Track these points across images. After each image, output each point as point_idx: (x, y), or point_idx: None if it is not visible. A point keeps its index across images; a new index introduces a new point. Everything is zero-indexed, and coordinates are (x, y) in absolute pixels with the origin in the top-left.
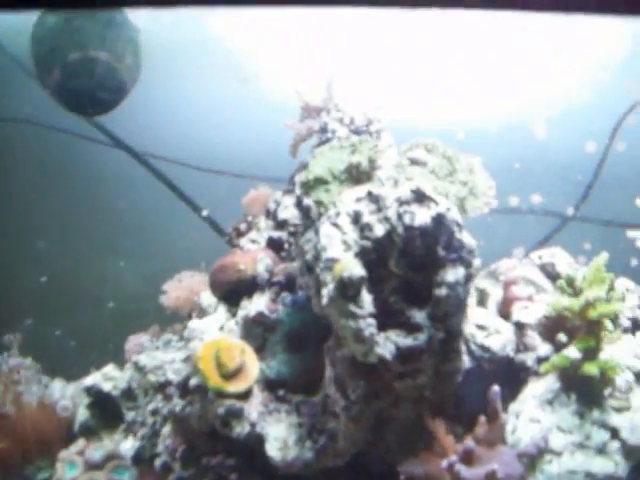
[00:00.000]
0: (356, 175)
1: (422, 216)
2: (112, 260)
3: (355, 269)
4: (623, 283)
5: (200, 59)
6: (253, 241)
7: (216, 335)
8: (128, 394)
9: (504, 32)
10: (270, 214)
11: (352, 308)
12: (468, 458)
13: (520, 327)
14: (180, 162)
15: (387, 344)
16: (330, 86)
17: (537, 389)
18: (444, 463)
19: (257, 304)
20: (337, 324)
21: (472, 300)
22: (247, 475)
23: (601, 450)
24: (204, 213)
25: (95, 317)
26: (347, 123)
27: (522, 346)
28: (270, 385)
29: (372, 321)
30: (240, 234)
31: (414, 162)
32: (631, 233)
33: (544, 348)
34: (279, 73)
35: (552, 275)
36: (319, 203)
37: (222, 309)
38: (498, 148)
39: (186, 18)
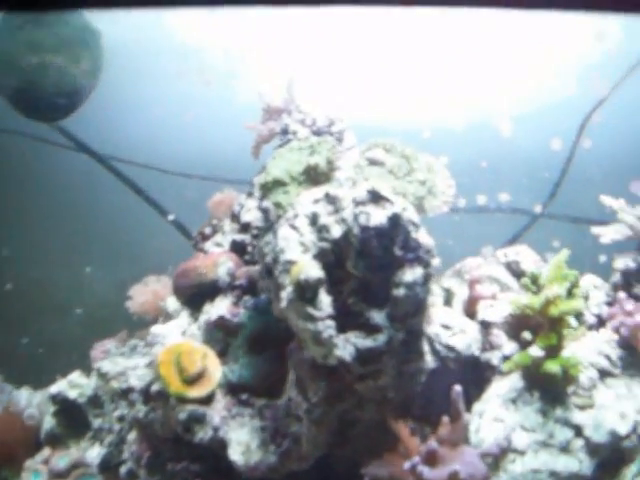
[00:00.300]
0: (314, 176)
1: (377, 216)
2: (80, 266)
3: (312, 271)
4: (590, 280)
5: (164, 61)
6: (218, 244)
7: (178, 340)
8: (94, 401)
9: (470, 32)
10: (235, 217)
11: (310, 310)
12: (431, 459)
13: (486, 326)
14: (146, 165)
15: (346, 346)
16: (291, 87)
17: (501, 388)
18: (407, 465)
19: (218, 308)
20: (296, 327)
21: (438, 300)
22: None
23: (565, 448)
24: (170, 217)
25: (63, 324)
26: (309, 124)
27: (488, 345)
28: (233, 389)
29: (331, 323)
30: (205, 238)
31: (372, 162)
32: (596, 229)
33: (510, 346)
34: (247, 74)
35: (517, 273)
36: (277, 205)
37: (185, 313)
38: (464, 147)
39: (151, 20)
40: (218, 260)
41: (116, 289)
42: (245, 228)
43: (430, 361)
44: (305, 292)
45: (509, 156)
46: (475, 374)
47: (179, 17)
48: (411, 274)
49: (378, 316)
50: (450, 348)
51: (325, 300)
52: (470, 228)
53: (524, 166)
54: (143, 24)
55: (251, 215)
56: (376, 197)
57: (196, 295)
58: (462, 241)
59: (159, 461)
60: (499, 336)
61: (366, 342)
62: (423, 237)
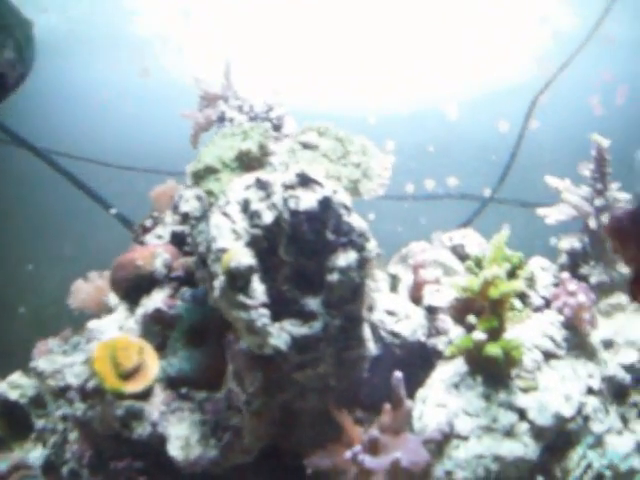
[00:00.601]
0: (247, 162)
1: (307, 200)
2: (23, 264)
3: (243, 259)
4: (537, 262)
5: (103, 50)
6: (159, 237)
7: (115, 335)
8: (37, 401)
9: (417, 17)
10: (176, 208)
11: (242, 299)
12: (373, 447)
13: (431, 311)
14: (87, 158)
15: (281, 334)
16: (228, 73)
17: (445, 373)
18: (347, 454)
19: (155, 300)
20: (230, 316)
21: (384, 286)
22: (157, 477)
23: (509, 432)
24: (113, 211)
25: (6, 324)
26: (246, 111)
27: (434, 330)
28: (172, 383)
29: (264, 311)
30: (146, 230)
31: (306, 146)
32: (541, 211)
33: (456, 331)
34: (186, 61)
35: (463, 256)
36: (209, 193)
37: (122, 308)
38: (411, 132)
39: (88, 10)
40: (155, 252)
41: (64, 287)
42: (185, 219)
43: (373, 348)
44: (237, 280)
45: (457, 140)
46: (422, 360)
47: (117, 6)
48: (344, 258)
49: (313, 303)
50: (395, 334)
51: (258, 288)
52: (420, 214)
53: (472, 150)
54: (80, 15)
55: (189, 205)
56: (306, 180)
57: (133, 288)
58: (412, 227)
59: (101, 460)
60: (445, 321)
61: (301, 330)
62: (356, 220)
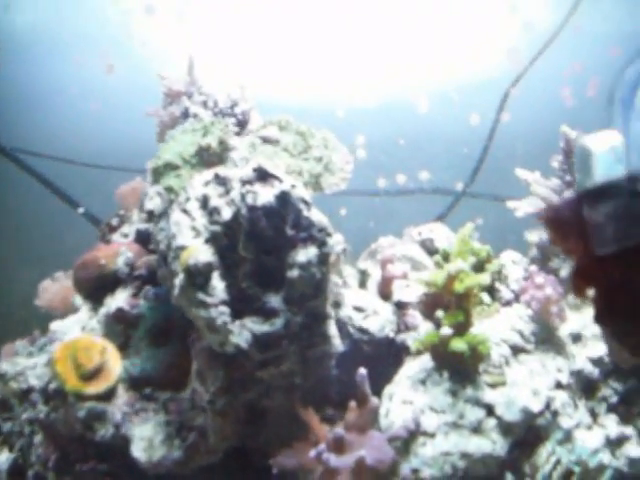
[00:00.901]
0: (207, 158)
1: (265, 195)
2: None
3: (201, 256)
4: (509, 255)
5: (67, 47)
6: (125, 235)
7: (77, 335)
8: (3, 404)
9: (387, 10)
10: (142, 206)
11: (202, 297)
12: (339, 446)
13: (401, 306)
14: (52, 156)
15: (242, 332)
16: (192, 69)
17: (411, 369)
18: (312, 453)
19: (117, 300)
20: (190, 314)
21: (353, 282)
22: (123, 479)
23: (476, 429)
24: (81, 210)
25: None
26: (211, 106)
27: (403, 326)
28: (135, 383)
29: (225, 309)
30: (112, 229)
31: (266, 140)
32: (510, 203)
33: (426, 327)
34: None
35: (432, 251)
36: (169, 189)
37: (85, 308)
38: (380, 125)
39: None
40: (118, 250)
41: (32, 288)
42: (150, 216)
43: (339, 345)
44: (195, 278)
45: (428, 133)
46: (391, 356)
47: (81, 3)
48: (304, 254)
49: (274, 300)
50: (363, 331)
51: (218, 285)
52: (393, 209)
53: (443, 143)
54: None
55: (153, 203)
56: (263, 175)
57: (97, 288)
58: (385, 222)
59: (67, 462)
60: (415, 316)
61: (263, 327)
62: (316, 215)
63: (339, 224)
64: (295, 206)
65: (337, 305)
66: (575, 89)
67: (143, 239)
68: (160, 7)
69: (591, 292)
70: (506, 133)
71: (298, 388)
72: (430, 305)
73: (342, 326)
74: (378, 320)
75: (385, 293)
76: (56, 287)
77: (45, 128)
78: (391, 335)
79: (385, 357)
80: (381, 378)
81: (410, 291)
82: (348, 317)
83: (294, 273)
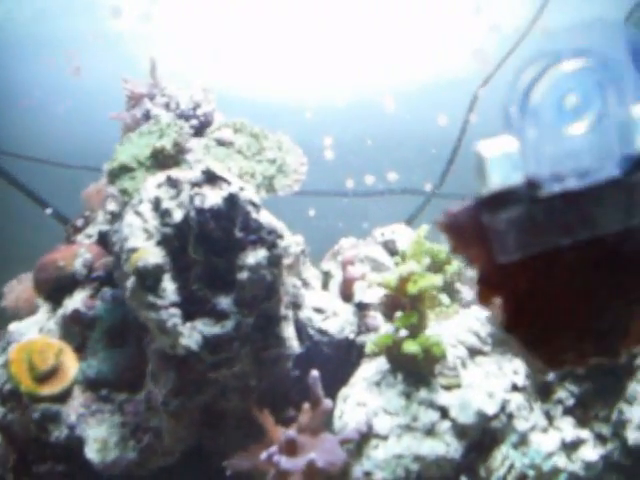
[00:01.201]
0: (162, 160)
1: (213, 198)
2: None
3: (150, 258)
4: None
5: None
6: (89, 236)
7: (33, 336)
8: None
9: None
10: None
11: (152, 299)
12: (291, 448)
13: (362, 308)
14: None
15: (193, 334)
16: (154, 71)
17: (367, 371)
18: (263, 455)
19: (74, 301)
20: (142, 316)
21: (316, 283)
22: None
23: (430, 431)
24: (48, 210)
25: None
26: (173, 108)
27: (364, 327)
28: (92, 385)
29: (175, 311)
30: (77, 230)
31: (220, 143)
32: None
33: (386, 328)
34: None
35: (394, 252)
36: (124, 192)
37: (44, 309)
38: (349, 125)
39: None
40: (77, 252)
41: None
42: (112, 218)
43: (296, 346)
44: (145, 280)
45: (396, 133)
46: (351, 358)
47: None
48: (253, 256)
49: (225, 302)
50: (323, 332)
51: (169, 287)
52: (362, 209)
53: (411, 143)
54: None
55: (114, 204)
56: (212, 178)
57: (55, 289)
58: (354, 223)
59: (25, 464)
60: (375, 318)
61: (213, 329)
62: (265, 217)
63: (308, 224)
64: (243, 208)
65: (297, 306)
66: None
67: (105, 240)
68: (127, 8)
69: (498, 300)
70: (475, 133)
71: (254, 390)
72: (391, 306)
73: (302, 327)
74: (338, 321)
75: (346, 294)
76: (21, 288)
77: (12, 129)
78: (351, 336)
79: (346, 359)
80: (341, 380)
81: (371, 292)
82: (308, 318)
83: (243, 275)
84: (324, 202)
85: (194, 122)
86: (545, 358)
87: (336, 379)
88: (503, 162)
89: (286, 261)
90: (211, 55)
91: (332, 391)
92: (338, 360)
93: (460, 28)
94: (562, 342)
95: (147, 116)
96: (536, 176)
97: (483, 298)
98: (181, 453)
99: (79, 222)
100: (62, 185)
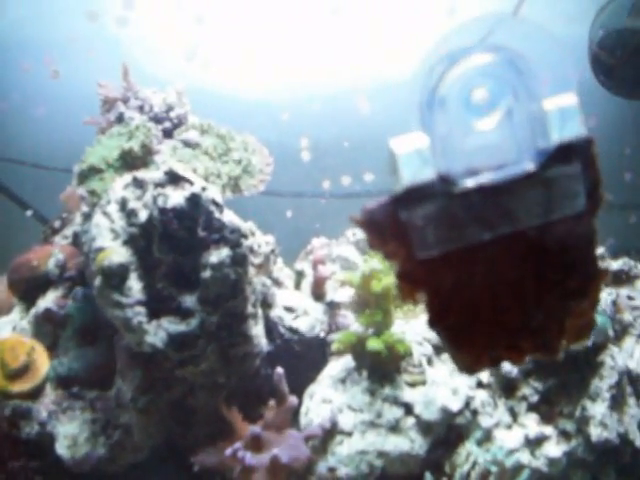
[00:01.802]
0: (130, 162)
1: (175, 197)
2: None
3: (115, 257)
4: None
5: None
6: (66, 237)
7: (6, 335)
8: None
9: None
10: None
11: (118, 297)
12: (256, 444)
13: (333, 306)
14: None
15: (158, 332)
16: (126, 75)
17: (334, 368)
18: (228, 451)
19: (47, 301)
20: (109, 315)
21: (289, 282)
22: (53, 477)
23: (394, 428)
24: (29, 212)
25: None
26: (147, 111)
27: (334, 326)
28: (63, 382)
29: (140, 309)
30: (54, 231)
31: (187, 144)
32: None
33: (356, 326)
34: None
35: (365, 251)
36: (92, 193)
37: (18, 308)
38: (325, 126)
39: None
40: (51, 252)
41: None
42: (84, 218)
43: (265, 344)
44: (111, 279)
45: (372, 135)
46: (323, 356)
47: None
48: (216, 255)
49: (190, 300)
50: (294, 331)
51: (135, 286)
52: (339, 210)
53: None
54: None
55: (85, 205)
56: (174, 178)
57: (29, 289)
58: (331, 223)
59: (1, 460)
60: (346, 316)
61: (179, 327)
62: (228, 217)
63: (285, 225)
64: (206, 208)
65: (268, 305)
66: None
67: (80, 241)
68: (101, 12)
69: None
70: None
71: (223, 387)
72: (361, 305)
73: (273, 326)
74: (308, 320)
75: (318, 293)
76: (1, 288)
77: None
78: (322, 335)
79: (317, 357)
80: (312, 378)
81: (342, 291)
82: (279, 317)
83: (207, 274)
84: (301, 203)
85: (167, 124)
86: (473, 355)
87: (307, 377)
88: (413, 158)
89: (255, 260)
90: (188, 57)
91: (303, 389)
92: (309, 358)
93: (434, 29)
94: (490, 339)
95: (120, 119)
96: (449, 171)
97: (405, 294)
98: (151, 449)
99: (56, 223)
100: (44, 187)
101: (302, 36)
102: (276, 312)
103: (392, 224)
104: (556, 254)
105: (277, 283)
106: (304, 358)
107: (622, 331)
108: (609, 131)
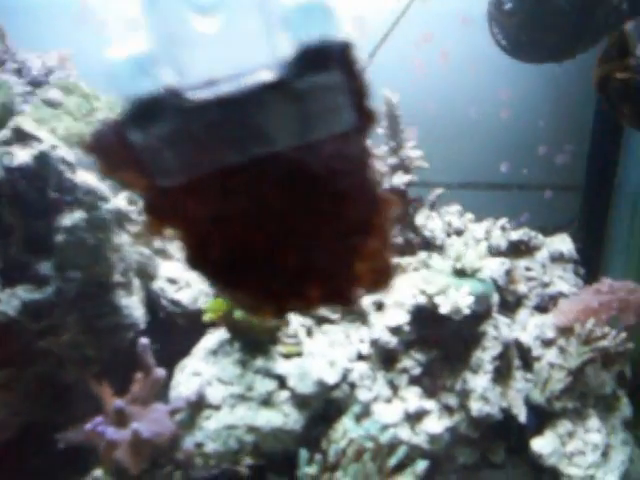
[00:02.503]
0: None
1: (22, 156)
2: None
3: None
4: None
5: None
6: None
7: None
8: None
9: None
10: None
11: None
12: (120, 418)
13: None
14: None
15: (11, 300)
16: (4, 37)
17: (208, 340)
18: (88, 425)
19: None
20: None
21: (179, 254)
22: None
23: (266, 401)
24: None
25: None
26: (25, 74)
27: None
28: None
29: None
30: None
31: (49, 103)
32: None
33: None
34: None
35: None
36: None
37: None
38: None
39: None
40: None
41: None
42: None
43: (140, 316)
44: None
45: None
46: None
47: None
48: (69, 218)
49: (45, 266)
50: (176, 303)
51: None
52: None
53: None
54: None
55: None
56: (22, 136)
57: None
58: None
59: None
60: None
61: (33, 295)
62: (81, 177)
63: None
64: (56, 167)
65: (149, 276)
66: (426, 59)
67: None
68: None
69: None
70: None
71: (94, 361)
72: None
73: (155, 298)
74: (191, 292)
75: None
76: None
77: None
78: (204, 307)
79: (200, 330)
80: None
81: None
82: (161, 289)
83: (60, 238)
84: None
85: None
86: (251, 300)
87: (189, 351)
88: (130, 66)
89: (132, 229)
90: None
91: None
92: (192, 331)
93: (408, 13)
94: (263, 282)
95: None
96: (177, 82)
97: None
98: (22, 428)
99: None
100: None
101: None
102: (158, 284)
103: (124, 147)
104: (325, 180)
105: (162, 253)
106: (186, 331)
107: (516, 302)
108: (521, 103)
